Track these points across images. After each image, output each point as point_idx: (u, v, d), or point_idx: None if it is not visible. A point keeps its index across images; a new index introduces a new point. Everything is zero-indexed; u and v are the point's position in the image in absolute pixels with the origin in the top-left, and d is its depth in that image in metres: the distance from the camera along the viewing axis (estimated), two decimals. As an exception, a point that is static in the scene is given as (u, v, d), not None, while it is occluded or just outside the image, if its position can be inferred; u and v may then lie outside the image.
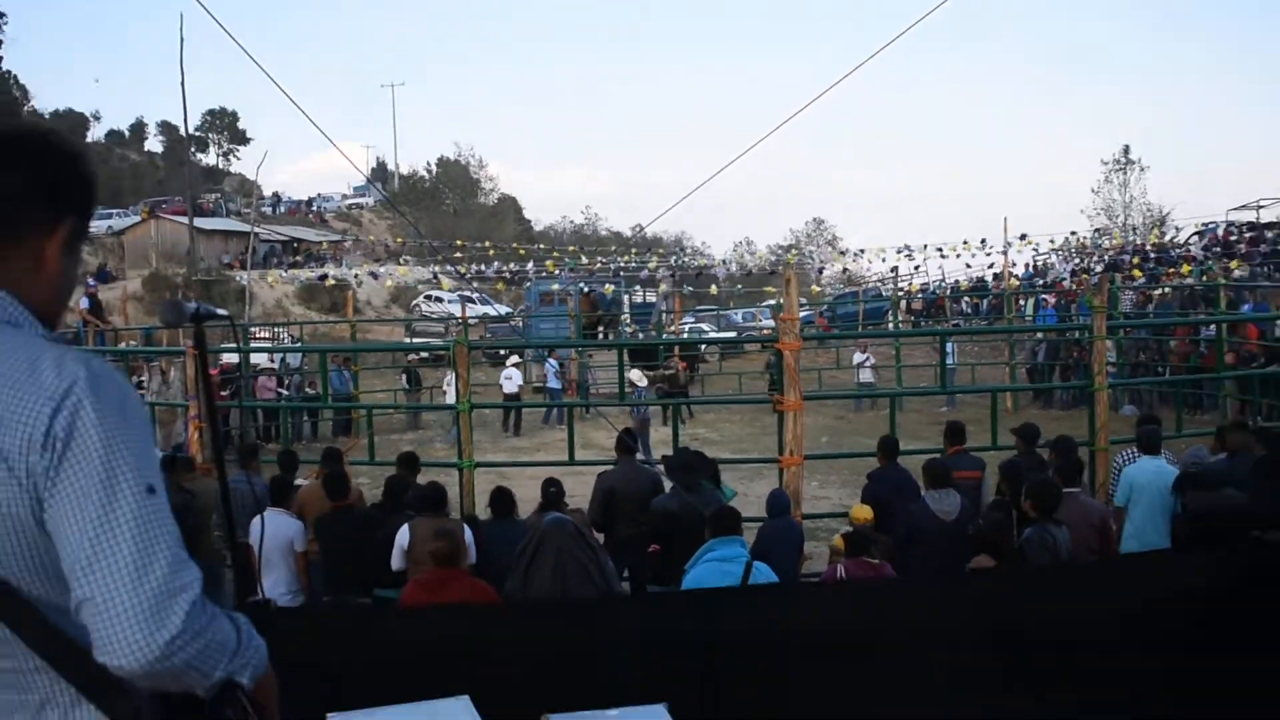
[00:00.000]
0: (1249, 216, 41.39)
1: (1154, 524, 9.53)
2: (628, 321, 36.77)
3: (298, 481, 10.77)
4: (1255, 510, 8.63)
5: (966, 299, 40.45)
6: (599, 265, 48.52)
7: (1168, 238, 46.75)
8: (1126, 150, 62.79)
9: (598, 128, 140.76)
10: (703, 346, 33.42)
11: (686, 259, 62.04)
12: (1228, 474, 9.56)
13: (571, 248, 58.03)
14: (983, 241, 39.17)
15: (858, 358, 28.28)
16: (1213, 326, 22.16)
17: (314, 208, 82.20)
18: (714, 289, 44.27)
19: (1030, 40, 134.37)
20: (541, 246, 58.40)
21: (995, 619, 6.27)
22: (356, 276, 49.88)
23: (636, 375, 24.04)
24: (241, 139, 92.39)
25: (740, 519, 8.13)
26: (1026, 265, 43.17)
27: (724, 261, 55.24)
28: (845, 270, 52.96)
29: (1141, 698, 5.97)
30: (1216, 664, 6.03)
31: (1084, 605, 6.40)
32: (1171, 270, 35.40)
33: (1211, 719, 5.97)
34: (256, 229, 53.91)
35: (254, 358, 25.04)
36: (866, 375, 27.71)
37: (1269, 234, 37.84)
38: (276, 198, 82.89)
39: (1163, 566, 7.45)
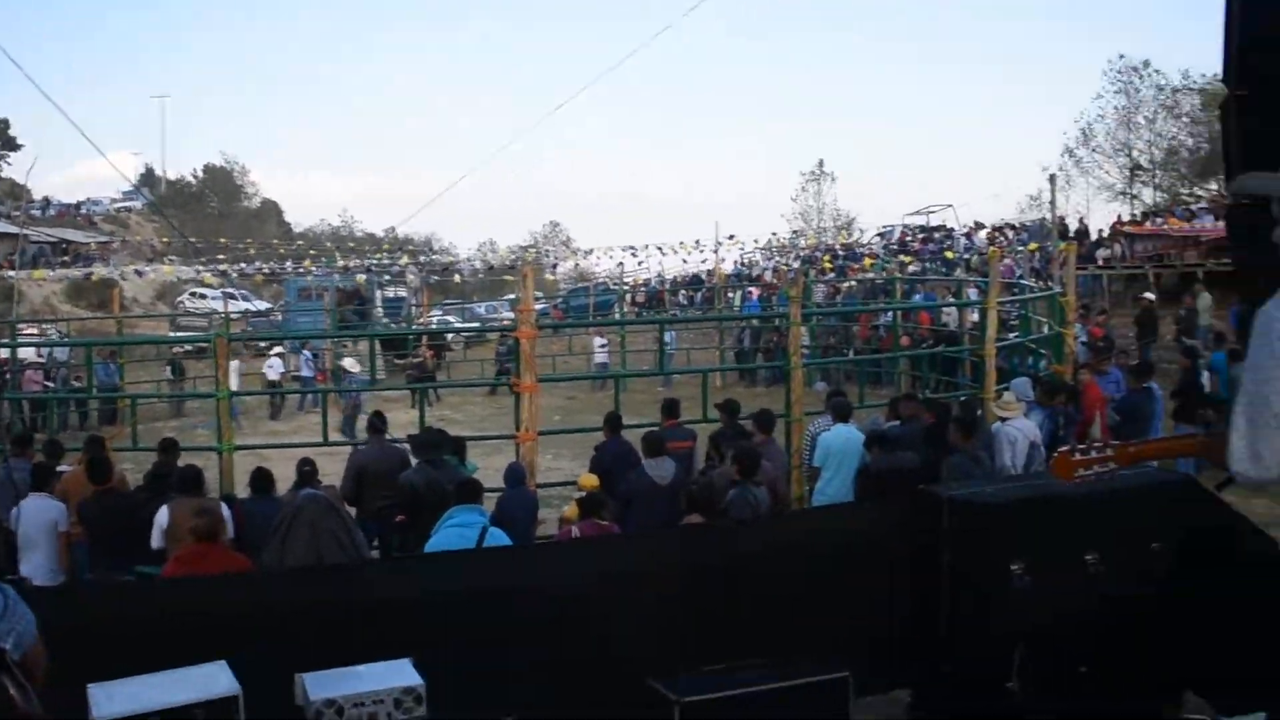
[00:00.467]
0: (921, 221, 43.51)
1: (842, 481, 9.94)
2: (381, 314, 36.18)
3: (61, 468, 10.22)
4: (923, 468, 9.17)
5: (683, 292, 41.26)
6: (354, 263, 47.59)
7: (853, 238, 48.85)
8: (820, 163, 64.93)
9: (353, 137, 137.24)
10: (449, 336, 33.15)
11: (435, 257, 61.36)
12: (900, 438, 10.08)
13: (329, 245, 56.70)
14: (697, 242, 39.95)
15: (598, 342, 28.57)
16: (890, 314, 23.27)
17: (83, 210, 77.44)
18: (458, 278, 43.96)
19: (740, 62, 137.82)
20: (300, 244, 56.89)
21: (705, 564, 6.46)
22: (123, 275, 47.49)
23: (350, 363, 23.87)
24: (12, 145, 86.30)
25: (481, 490, 8.15)
26: (735, 262, 44.23)
27: (469, 259, 54.95)
28: (577, 266, 53.36)
29: (826, 615, 6.31)
30: (886, 588, 6.61)
31: (780, 549, 6.70)
32: (856, 266, 36.96)
33: (888, 625, 6.42)
34: (26, 231, 50.76)
35: (21, 352, 23.62)
36: (603, 358, 28.00)
37: (936, 235, 39.95)
38: (46, 201, 77.47)
39: (845, 516, 7.85)
